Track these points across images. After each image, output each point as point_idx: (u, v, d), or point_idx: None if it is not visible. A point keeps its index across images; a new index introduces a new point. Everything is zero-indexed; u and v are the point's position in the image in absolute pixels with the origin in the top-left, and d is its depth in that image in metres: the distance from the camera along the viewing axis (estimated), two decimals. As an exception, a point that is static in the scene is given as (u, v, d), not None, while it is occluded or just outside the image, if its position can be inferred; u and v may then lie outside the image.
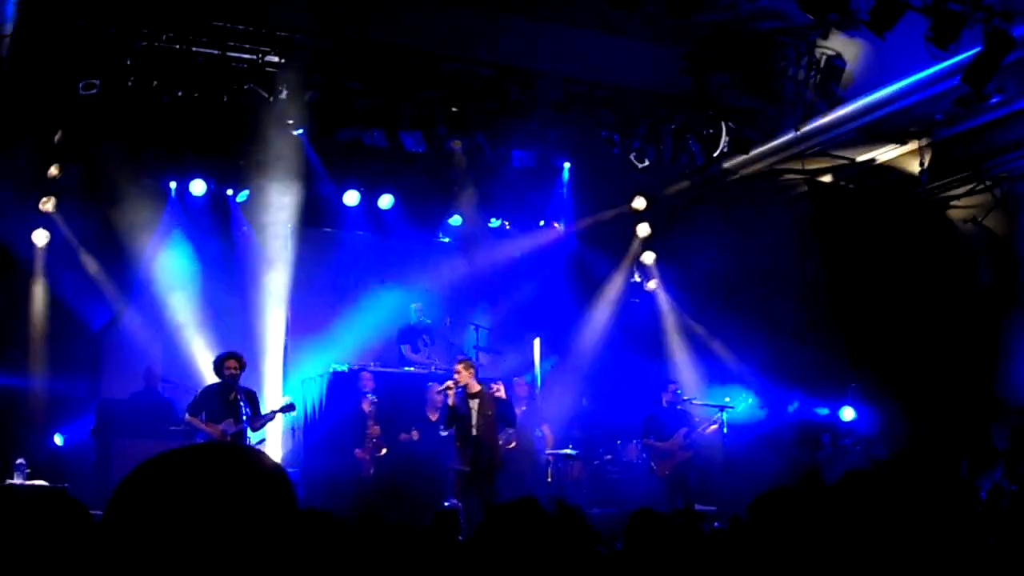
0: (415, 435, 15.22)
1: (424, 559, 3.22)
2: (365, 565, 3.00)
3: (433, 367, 16.40)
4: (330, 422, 15.36)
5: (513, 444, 15.46)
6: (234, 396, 13.10)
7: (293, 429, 15.99)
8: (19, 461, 13.22)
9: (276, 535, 1.83)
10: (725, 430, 15.55)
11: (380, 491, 14.68)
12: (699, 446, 15.81)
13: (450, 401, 13.55)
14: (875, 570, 3.17)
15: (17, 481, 12.96)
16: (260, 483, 1.87)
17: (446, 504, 13.53)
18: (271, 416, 13.77)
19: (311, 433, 15.59)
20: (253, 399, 13.37)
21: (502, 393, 14.06)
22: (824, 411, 16.67)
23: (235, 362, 13.23)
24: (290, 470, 15.47)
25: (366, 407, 14.93)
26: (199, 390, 13.45)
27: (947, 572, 3.18)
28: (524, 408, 15.83)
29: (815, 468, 16.10)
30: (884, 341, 15.91)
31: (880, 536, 3.23)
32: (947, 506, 3.42)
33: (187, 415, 13.13)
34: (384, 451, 14.88)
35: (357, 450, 14.93)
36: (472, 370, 13.86)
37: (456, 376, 13.71)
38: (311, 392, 16.05)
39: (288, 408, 13.95)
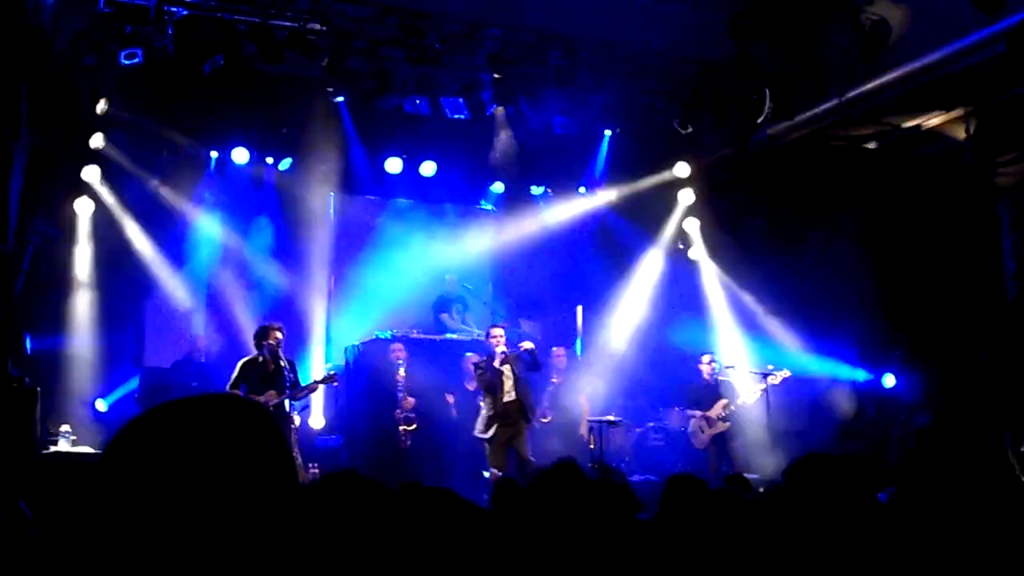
0: (451, 399, 15.34)
1: (464, 525, 3.22)
2: (403, 530, 3.01)
3: (475, 334, 16.51)
4: (372, 389, 15.43)
5: (548, 418, 15.53)
6: (275, 366, 13.13)
7: (336, 396, 16.09)
8: (64, 428, 13.36)
9: (268, 483, 1.87)
10: (769, 399, 15.48)
11: (417, 460, 14.77)
12: (739, 416, 15.76)
13: (497, 363, 13.73)
14: (913, 538, 3.16)
15: (64, 448, 13.11)
16: (251, 432, 1.90)
17: (486, 474, 13.61)
18: (314, 387, 13.84)
19: (353, 400, 15.66)
20: (293, 369, 13.39)
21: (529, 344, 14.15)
22: (867, 378, 16.63)
23: (279, 333, 13.27)
24: (333, 436, 15.60)
25: (399, 378, 14.96)
26: (238, 363, 13.40)
27: (987, 541, 3.16)
28: (560, 380, 15.92)
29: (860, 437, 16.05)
30: (927, 310, 15.79)
31: (918, 506, 3.21)
32: (988, 476, 3.40)
33: (228, 389, 13.03)
34: (415, 427, 14.91)
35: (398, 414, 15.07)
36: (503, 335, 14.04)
37: (497, 342, 13.83)
38: (353, 359, 16.12)
39: (329, 379, 13.97)
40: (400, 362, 15.06)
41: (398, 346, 15.31)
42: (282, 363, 13.12)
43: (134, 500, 1.79)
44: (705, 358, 16.14)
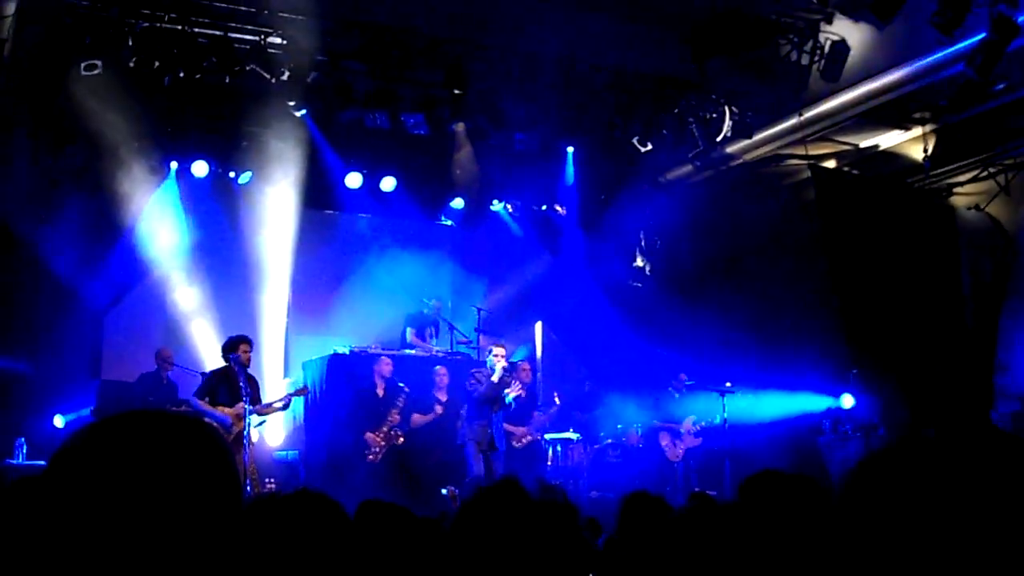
0: (439, 410, 15.31)
1: (414, 544, 3.21)
2: (354, 547, 3.00)
3: (434, 351, 16.50)
4: (332, 404, 15.34)
5: (528, 439, 15.52)
6: (243, 379, 13.03)
7: (294, 412, 16.02)
8: (19, 441, 13.24)
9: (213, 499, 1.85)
10: (726, 414, 15.53)
11: (386, 474, 14.69)
12: (706, 433, 15.88)
13: (495, 376, 13.74)
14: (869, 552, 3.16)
15: (16, 461, 12.98)
16: (186, 448, 1.88)
17: (444, 491, 13.57)
18: (287, 400, 13.77)
19: (313, 415, 15.56)
20: (254, 383, 13.34)
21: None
22: (824, 399, 16.66)
23: (247, 346, 13.23)
24: (291, 452, 15.52)
25: (380, 392, 14.93)
26: (205, 374, 13.39)
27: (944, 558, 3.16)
28: (524, 394, 15.89)
29: (815, 454, 16.10)
30: (885, 328, 15.87)
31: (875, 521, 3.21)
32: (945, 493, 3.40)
33: (194, 399, 13.05)
34: (402, 440, 14.86)
35: (368, 433, 14.88)
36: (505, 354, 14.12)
37: (498, 360, 13.80)
38: (312, 374, 16.04)
39: (300, 392, 14.01)
40: (387, 377, 15.06)
41: (386, 359, 15.30)
42: (242, 376, 13.03)
43: (68, 514, 1.77)
44: (680, 376, 16.25)
